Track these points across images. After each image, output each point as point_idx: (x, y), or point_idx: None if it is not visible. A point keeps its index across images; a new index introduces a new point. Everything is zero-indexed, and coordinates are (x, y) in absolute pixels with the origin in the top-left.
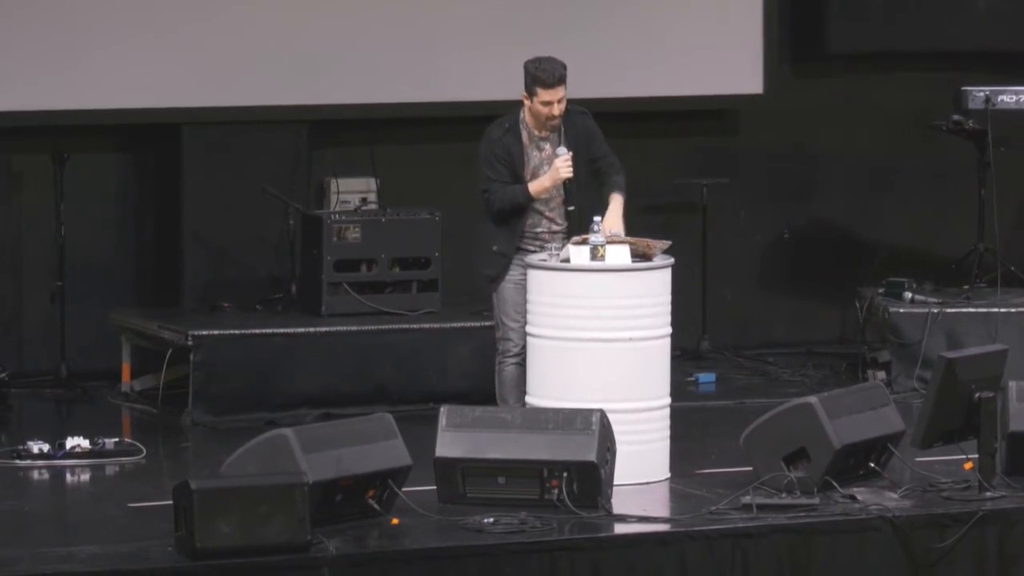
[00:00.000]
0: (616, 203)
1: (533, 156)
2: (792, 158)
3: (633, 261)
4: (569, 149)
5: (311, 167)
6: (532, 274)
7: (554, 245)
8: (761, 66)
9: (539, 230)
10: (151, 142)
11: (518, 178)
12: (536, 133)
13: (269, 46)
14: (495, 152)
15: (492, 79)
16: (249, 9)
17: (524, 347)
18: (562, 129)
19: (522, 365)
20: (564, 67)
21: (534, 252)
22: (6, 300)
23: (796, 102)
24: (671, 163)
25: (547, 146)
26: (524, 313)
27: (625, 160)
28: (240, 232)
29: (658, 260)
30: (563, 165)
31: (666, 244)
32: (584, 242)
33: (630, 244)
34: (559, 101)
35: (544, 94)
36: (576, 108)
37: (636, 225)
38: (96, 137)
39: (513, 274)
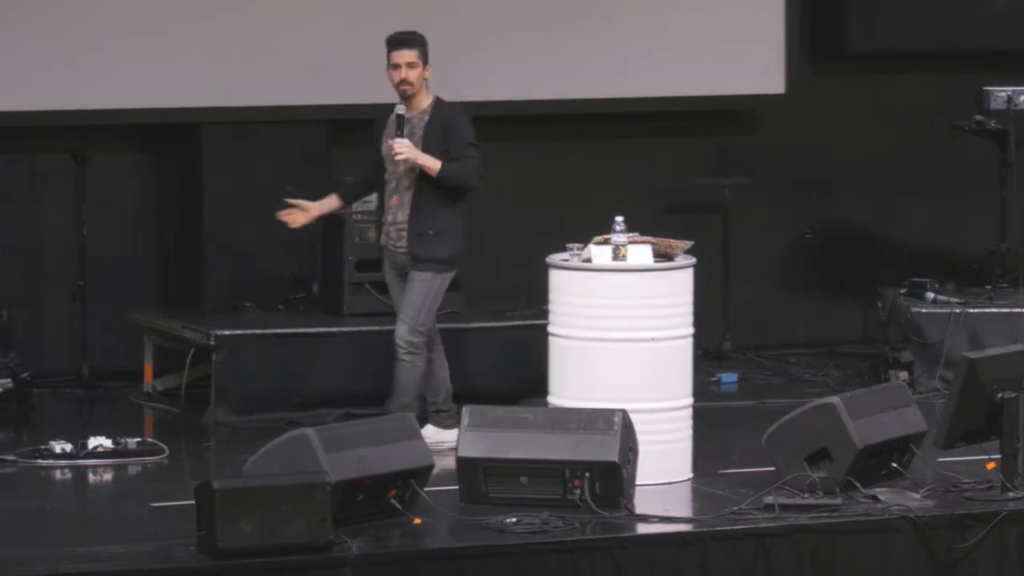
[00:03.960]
0: (430, 158)
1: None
2: (813, 158)
3: (655, 261)
4: (409, 137)
5: (332, 166)
6: (554, 273)
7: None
8: (782, 66)
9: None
10: (171, 142)
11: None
12: (405, 116)
13: (289, 45)
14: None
15: (512, 77)
16: (269, 8)
17: None
18: (409, 120)
19: None
20: (415, 36)
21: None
22: (28, 300)
23: (817, 102)
24: (692, 163)
25: (407, 128)
26: None
27: (646, 160)
28: (261, 232)
29: (680, 260)
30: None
31: (688, 244)
32: (606, 242)
33: (652, 244)
34: (408, 65)
35: (391, 56)
36: (450, 104)
37: (657, 225)
38: (117, 137)
39: None
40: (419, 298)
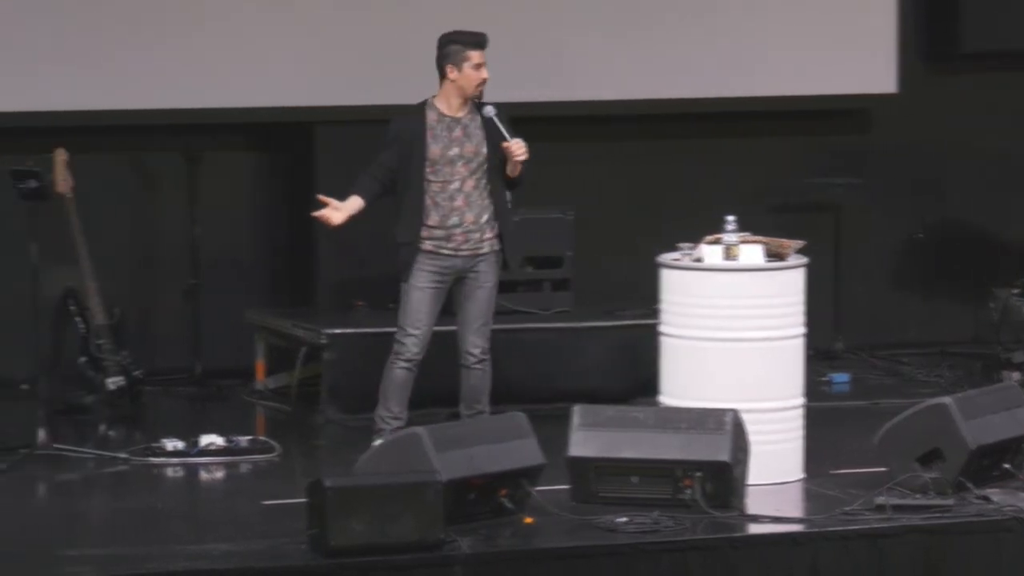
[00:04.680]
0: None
1: (441, 136)
2: (926, 157)
3: (766, 261)
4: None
5: None
6: (665, 273)
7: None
8: (895, 65)
9: None
10: (284, 141)
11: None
12: (447, 115)
13: (401, 44)
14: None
15: (624, 77)
16: (381, 7)
17: None
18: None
19: None
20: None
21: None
22: (141, 298)
23: (930, 101)
24: (804, 162)
25: (459, 129)
26: None
27: (758, 159)
28: (373, 231)
29: (791, 260)
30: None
31: (799, 244)
32: (717, 241)
33: (763, 244)
34: (485, 66)
35: (474, 55)
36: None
37: (768, 224)
38: (229, 136)
39: None
40: (487, 304)
